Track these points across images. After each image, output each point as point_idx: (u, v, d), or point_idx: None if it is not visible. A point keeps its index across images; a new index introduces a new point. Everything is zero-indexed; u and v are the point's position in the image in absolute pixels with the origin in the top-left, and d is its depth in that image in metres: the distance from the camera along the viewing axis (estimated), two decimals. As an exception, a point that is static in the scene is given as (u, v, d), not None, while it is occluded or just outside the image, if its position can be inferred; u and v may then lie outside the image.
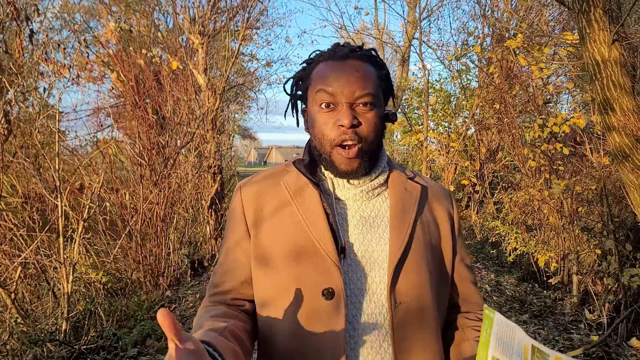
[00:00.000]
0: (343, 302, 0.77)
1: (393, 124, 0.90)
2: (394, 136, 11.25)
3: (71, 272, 2.97)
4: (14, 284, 2.85)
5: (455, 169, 8.01)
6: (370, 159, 0.83)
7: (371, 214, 0.84)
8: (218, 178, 5.87)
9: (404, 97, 10.96)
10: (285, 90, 0.93)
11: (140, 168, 4.21)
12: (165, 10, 7.79)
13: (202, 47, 5.80)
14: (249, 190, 0.88)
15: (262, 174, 0.92)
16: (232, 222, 0.89)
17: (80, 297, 3.37)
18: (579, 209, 4.05)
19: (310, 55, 0.90)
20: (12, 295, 2.74)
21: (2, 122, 2.56)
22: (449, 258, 0.88)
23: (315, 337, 0.77)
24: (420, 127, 9.01)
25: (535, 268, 4.50)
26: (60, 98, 2.80)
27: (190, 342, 0.58)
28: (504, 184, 6.75)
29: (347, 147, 0.80)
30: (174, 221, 4.54)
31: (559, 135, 4.23)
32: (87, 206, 3.21)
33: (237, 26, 6.47)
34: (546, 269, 4.34)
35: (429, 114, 8.54)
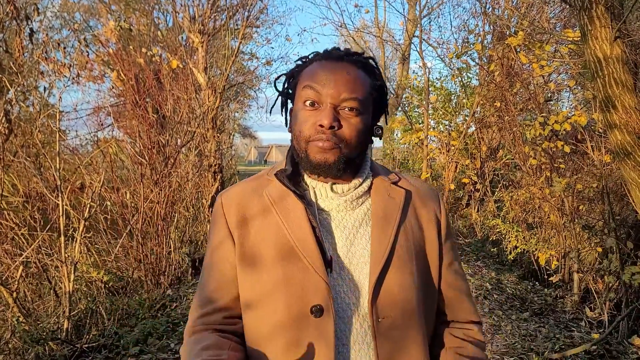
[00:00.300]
0: (332, 319, 0.74)
1: (380, 139, 0.86)
2: (395, 135, 11.24)
3: (72, 271, 2.97)
4: (16, 282, 2.86)
5: (456, 167, 8.00)
6: (348, 162, 0.78)
7: (355, 224, 0.81)
8: (219, 177, 5.87)
9: (404, 96, 10.95)
10: (276, 87, 0.90)
11: (141, 167, 4.21)
12: (165, 9, 7.78)
13: (202, 46, 5.79)
14: (232, 202, 0.85)
15: (242, 185, 0.88)
16: (216, 235, 0.85)
17: (82, 295, 3.37)
18: (580, 207, 4.05)
19: (308, 56, 0.87)
20: (14, 294, 2.75)
21: (2, 121, 2.56)
22: (435, 265, 0.85)
23: (303, 355, 0.74)
24: (421, 125, 9.00)
25: (536, 266, 4.50)
26: (60, 97, 2.79)
27: None
28: (504, 182, 6.74)
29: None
30: (175, 220, 4.54)
31: (560, 133, 4.22)
32: (88, 205, 3.21)
33: (237, 25, 6.46)
34: (547, 267, 4.34)
35: (430, 112, 8.53)
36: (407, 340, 0.78)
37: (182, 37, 6.82)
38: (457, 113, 8.37)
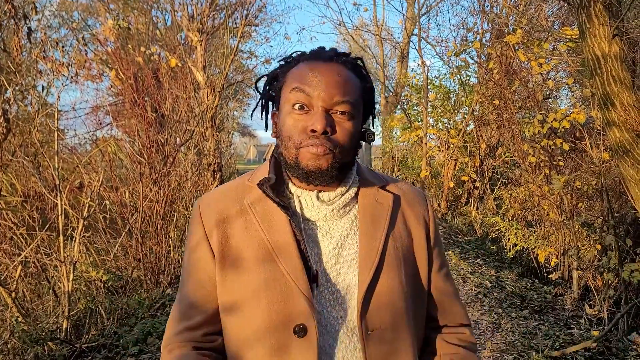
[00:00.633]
0: (315, 339, 0.71)
1: (369, 144, 0.85)
2: (394, 133, 11.24)
3: (71, 271, 2.97)
4: (15, 282, 2.85)
5: (455, 165, 8.01)
6: (341, 168, 0.75)
7: (342, 233, 0.78)
8: (218, 176, 5.87)
9: (403, 94, 10.94)
10: (257, 89, 0.85)
11: (140, 166, 4.20)
12: (164, 7, 7.76)
13: (201, 45, 5.78)
14: (210, 209, 0.80)
15: (222, 191, 0.83)
16: (192, 242, 0.80)
17: (81, 295, 3.37)
18: (579, 205, 4.05)
19: (292, 55, 0.81)
20: (13, 294, 2.74)
21: (1, 120, 2.56)
22: (424, 270, 0.83)
23: None
24: (420, 123, 9.00)
25: (536, 264, 4.50)
26: (59, 96, 2.79)
27: None
28: (503, 180, 6.75)
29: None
30: (174, 219, 4.54)
31: (558, 131, 4.23)
32: (87, 204, 3.20)
33: (235, 23, 6.44)
34: (546, 265, 4.35)
35: (429, 110, 8.53)
36: (397, 351, 0.76)
37: (180, 35, 6.81)
38: (456, 111, 8.37)
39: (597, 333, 2.98)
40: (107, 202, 4.25)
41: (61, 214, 2.99)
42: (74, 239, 3.14)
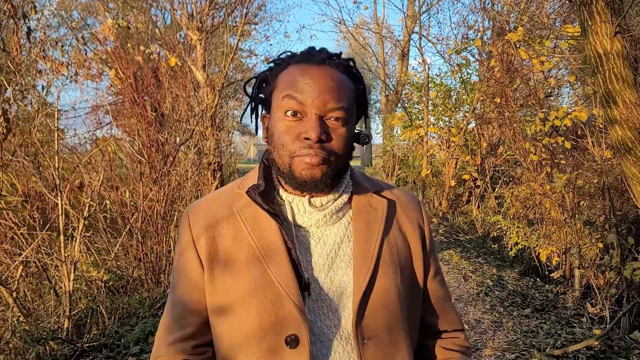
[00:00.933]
0: (308, 349, 0.69)
1: (362, 145, 0.81)
2: (394, 131, 11.22)
3: (72, 271, 2.97)
4: (16, 282, 2.85)
5: (456, 163, 7.99)
6: (335, 176, 0.74)
7: (336, 240, 0.76)
8: (218, 175, 5.86)
9: (404, 92, 10.92)
10: (246, 92, 0.84)
11: (140, 165, 4.20)
12: (163, 6, 7.75)
13: (200, 43, 5.77)
14: (199, 218, 0.78)
15: (211, 199, 0.81)
16: (183, 258, 0.78)
17: (82, 295, 3.37)
18: (581, 203, 4.04)
19: (280, 56, 0.79)
20: (14, 294, 2.74)
21: (1, 120, 2.55)
22: (420, 277, 0.81)
23: None
24: (421, 122, 8.98)
25: (537, 262, 4.50)
26: (58, 96, 2.78)
27: None
28: (505, 179, 6.73)
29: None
30: (175, 218, 4.53)
31: (560, 129, 4.21)
32: (87, 204, 3.20)
33: (235, 22, 6.43)
34: (548, 263, 4.34)
35: (430, 108, 8.52)
36: (393, 358, 0.74)
37: (180, 34, 6.80)
38: (457, 109, 8.36)
39: (599, 332, 2.97)
40: (108, 202, 4.25)
41: (61, 214, 2.99)
42: (74, 239, 3.13)
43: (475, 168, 7.42)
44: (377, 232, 0.77)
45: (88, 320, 3.08)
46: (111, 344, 2.93)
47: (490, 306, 3.72)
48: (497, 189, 6.78)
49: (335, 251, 0.76)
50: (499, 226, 5.34)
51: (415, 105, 9.84)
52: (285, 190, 0.77)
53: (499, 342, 3.05)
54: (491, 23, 6.94)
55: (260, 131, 0.82)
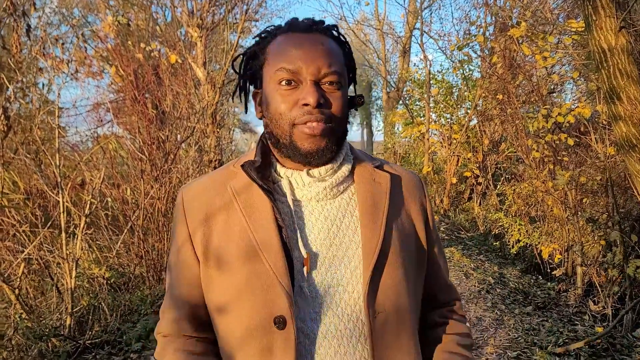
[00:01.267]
0: (293, 330, 0.68)
1: (356, 109, 0.79)
2: (396, 128, 11.19)
3: (74, 268, 2.97)
4: (18, 279, 2.86)
5: (458, 160, 7.97)
6: (338, 143, 0.73)
7: (338, 214, 0.74)
8: (219, 172, 5.84)
9: (405, 89, 10.89)
10: (234, 69, 0.81)
11: (141, 163, 4.19)
12: (163, 3, 7.72)
13: (201, 40, 5.75)
14: (193, 198, 0.77)
15: (207, 178, 0.80)
16: (177, 236, 0.78)
17: (84, 292, 3.37)
18: (584, 200, 4.02)
19: (266, 29, 0.77)
20: (16, 291, 2.75)
21: (1, 118, 2.55)
22: (424, 253, 0.82)
23: None
24: (422, 118, 8.96)
25: (539, 260, 4.48)
26: (59, 93, 2.77)
27: None
28: (507, 176, 6.71)
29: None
30: (176, 216, 4.53)
31: (563, 126, 4.19)
32: (89, 202, 3.20)
33: (235, 19, 6.40)
34: (550, 261, 4.33)
35: (431, 105, 8.48)
36: (400, 333, 0.74)
37: (180, 31, 6.78)
38: (458, 106, 8.32)
39: (601, 329, 2.96)
40: (109, 200, 4.25)
41: (63, 212, 2.99)
42: (76, 236, 3.14)
43: (477, 165, 7.39)
44: (382, 206, 0.75)
45: (90, 317, 3.09)
46: (113, 340, 2.94)
47: (491, 304, 3.71)
48: (498, 186, 6.76)
49: (337, 226, 0.74)
50: (500, 223, 5.33)
51: (417, 102, 9.81)
52: (283, 165, 0.75)
53: (501, 340, 3.05)
54: (494, 19, 6.90)
55: (253, 110, 0.81)
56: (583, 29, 2.68)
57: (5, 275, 2.87)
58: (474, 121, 7.72)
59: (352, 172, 0.78)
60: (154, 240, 4.18)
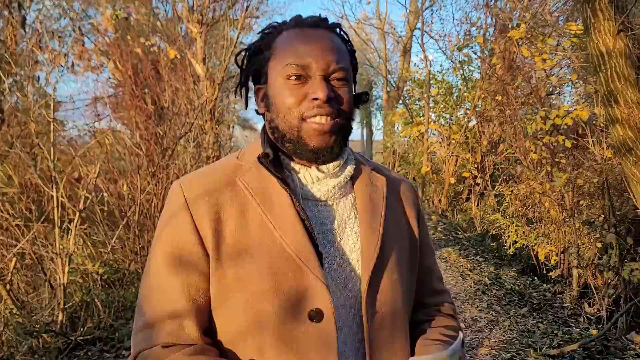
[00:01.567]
0: (334, 321, 0.67)
1: (361, 105, 0.79)
2: (395, 128, 11.18)
3: (67, 263, 2.95)
4: (9, 274, 2.84)
5: (457, 161, 7.96)
6: (344, 139, 0.73)
7: (343, 216, 0.74)
8: (217, 169, 5.82)
9: (405, 89, 10.87)
10: (237, 63, 0.79)
11: (138, 158, 4.18)
12: (164, -2, 7.68)
13: (201, 36, 5.72)
14: (198, 193, 0.70)
15: (207, 172, 0.74)
16: (175, 237, 0.69)
17: (77, 288, 3.36)
18: (580, 202, 4.02)
19: (271, 25, 0.76)
20: (7, 286, 2.73)
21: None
22: (417, 253, 0.83)
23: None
24: (422, 118, 8.94)
25: (535, 261, 4.48)
26: (54, 87, 2.75)
27: None
28: (505, 177, 6.71)
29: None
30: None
31: (561, 128, 4.18)
32: (83, 196, 3.18)
33: (236, 15, 6.38)
34: (546, 263, 4.33)
35: (431, 105, 8.47)
36: (395, 334, 0.74)
37: (181, 27, 6.75)
38: (458, 106, 8.31)
39: (596, 332, 2.96)
40: (105, 195, 4.23)
41: (57, 206, 2.97)
42: (70, 231, 3.12)
43: (476, 166, 7.39)
44: (380, 209, 0.76)
45: (82, 313, 3.07)
46: (105, 337, 2.92)
47: (487, 305, 3.71)
48: (496, 187, 6.76)
49: (342, 227, 0.74)
50: (498, 224, 5.33)
51: (417, 102, 9.80)
52: (294, 160, 0.73)
53: (495, 341, 3.04)
54: (494, 20, 6.88)
55: (253, 107, 0.81)
56: (582, 31, 2.67)
57: (-2, 270, 2.85)
58: (473, 122, 7.72)
59: (354, 173, 0.78)
60: (150, 236, 4.16)
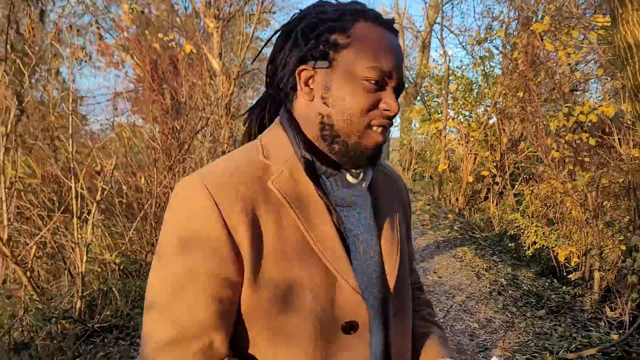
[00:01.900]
0: (368, 336, 0.68)
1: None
2: (412, 124, 11.03)
3: (85, 253, 3.03)
4: (30, 262, 2.93)
5: (475, 159, 7.80)
6: None
7: (366, 219, 0.75)
8: (233, 164, 5.87)
9: (423, 85, 10.71)
10: (297, 32, 0.68)
11: (154, 152, 4.25)
12: (183, -6, 7.76)
13: (217, 31, 5.76)
14: (230, 197, 0.62)
15: (228, 169, 0.66)
16: (212, 253, 0.61)
17: (95, 277, 3.44)
18: (604, 203, 3.87)
19: (343, 4, 0.70)
20: (28, 273, 2.82)
21: (15, 102, 2.60)
22: (409, 244, 0.87)
23: None
24: (440, 115, 8.79)
25: (555, 263, 4.35)
26: (73, 79, 2.81)
27: None
28: (525, 176, 6.53)
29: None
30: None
31: (585, 125, 4.04)
32: (100, 188, 3.25)
33: (252, 10, 6.39)
34: (566, 264, 4.19)
35: (449, 102, 8.31)
36: (407, 328, 0.79)
37: (198, 22, 6.81)
38: (477, 103, 8.13)
39: (617, 337, 2.85)
40: (125, 187, 4.32)
41: (76, 197, 3.05)
42: (88, 222, 3.20)
43: (495, 164, 7.22)
44: (394, 209, 0.79)
45: (100, 302, 3.15)
46: (122, 325, 2.99)
47: (502, 305, 3.62)
48: (516, 186, 6.59)
49: (365, 232, 0.74)
50: (516, 224, 5.19)
51: (435, 99, 9.63)
52: (329, 165, 0.69)
53: (510, 343, 2.97)
54: (517, 13, 6.68)
55: (295, 89, 0.70)
56: (609, 23, 2.56)
57: (19, 258, 2.94)
58: (493, 119, 7.54)
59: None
60: (165, 228, 4.22)
